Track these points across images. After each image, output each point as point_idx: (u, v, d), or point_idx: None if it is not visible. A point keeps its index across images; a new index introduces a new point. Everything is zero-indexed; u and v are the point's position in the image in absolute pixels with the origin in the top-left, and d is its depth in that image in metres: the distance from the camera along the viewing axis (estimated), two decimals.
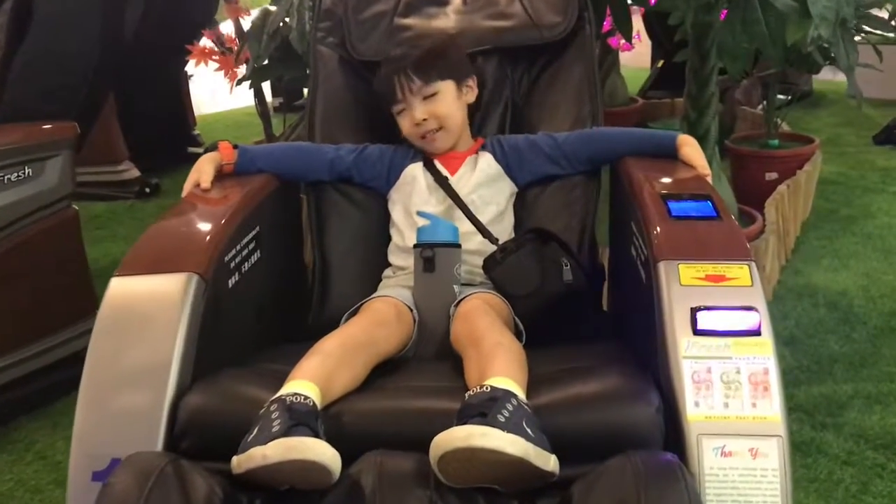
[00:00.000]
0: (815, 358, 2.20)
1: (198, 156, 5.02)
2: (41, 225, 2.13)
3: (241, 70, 3.06)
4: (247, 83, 2.90)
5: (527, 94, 1.74)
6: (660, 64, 4.69)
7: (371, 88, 1.75)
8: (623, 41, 2.82)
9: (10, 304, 2.07)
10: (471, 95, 1.57)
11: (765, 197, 2.92)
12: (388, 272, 1.55)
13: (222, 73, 2.98)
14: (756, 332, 1.07)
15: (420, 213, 1.44)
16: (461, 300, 1.35)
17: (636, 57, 5.24)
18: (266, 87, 3.95)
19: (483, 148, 1.59)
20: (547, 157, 1.56)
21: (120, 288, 1.19)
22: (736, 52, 2.01)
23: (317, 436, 0.96)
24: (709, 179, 1.38)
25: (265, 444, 0.93)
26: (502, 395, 0.97)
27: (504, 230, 1.54)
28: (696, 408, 1.04)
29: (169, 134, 4.41)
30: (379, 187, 1.61)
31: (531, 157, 1.57)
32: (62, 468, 1.93)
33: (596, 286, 1.60)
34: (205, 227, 1.29)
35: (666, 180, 1.36)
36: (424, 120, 1.50)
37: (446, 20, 1.74)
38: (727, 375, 1.05)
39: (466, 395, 1.00)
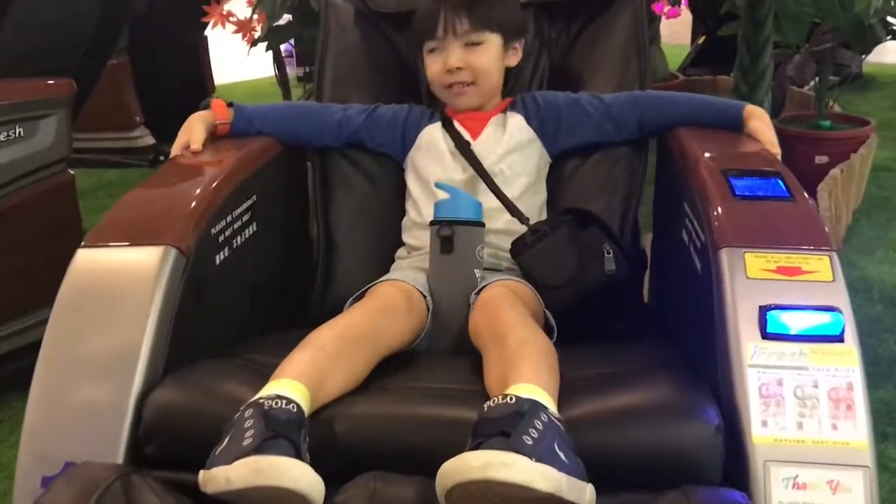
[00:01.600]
0: (873, 359, 2.01)
1: None
2: (34, 189, 1.98)
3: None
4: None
5: (565, 53, 1.55)
6: (701, 40, 4.45)
7: (389, 44, 1.57)
8: (668, 7, 2.61)
9: (0, 274, 1.93)
10: (514, 59, 1.37)
11: (813, 182, 2.70)
12: (401, 252, 1.38)
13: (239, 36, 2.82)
14: (839, 339, 0.88)
15: (438, 185, 1.25)
16: (483, 287, 1.16)
17: (675, 34, 5.00)
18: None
19: (512, 107, 1.39)
20: (591, 120, 1.36)
21: (86, 260, 1.03)
22: (799, 17, 1.80)
23: (297, 452, 0.78)
24: (778, 158, 1.18)
25: (231, 462, 0.75)
26: (529, 409, 0.78)
27: (535, 207, 1.35)
28: (764, 428, 0.85)
29: (186, 100, 4.23)
30: (393, 153, 1.43)
31: (572, 118, 1.37)
32: None
33: (637, 275, 1.41)
34: (190, 193, 1.12)
35: (727, 154, 1.17)
36: (459, 69, 1.31)
37: None
38: (802, 390, 0.86)
39: (485, 405, 0.81)
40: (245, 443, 0.77)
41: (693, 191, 1.10)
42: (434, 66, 1.34)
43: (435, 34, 1.31)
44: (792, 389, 0.87)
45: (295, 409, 0.82)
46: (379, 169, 1.46)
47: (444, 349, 1.17)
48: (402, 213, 1.41)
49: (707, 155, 1.15)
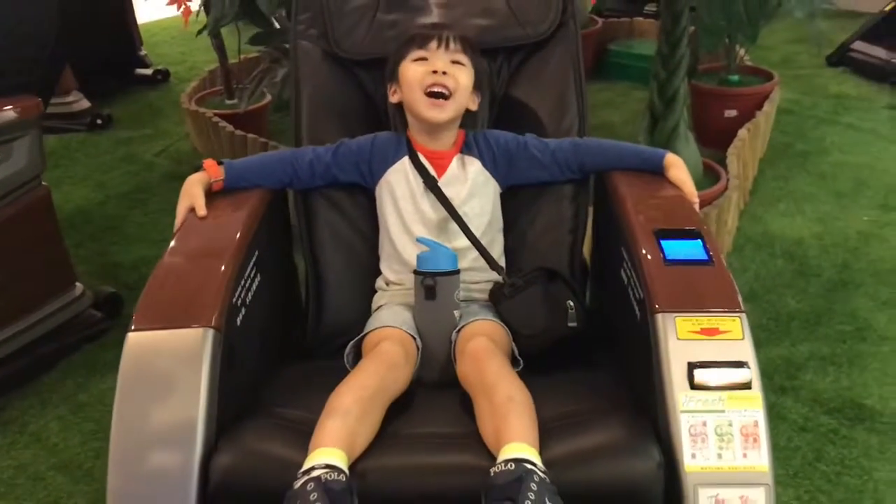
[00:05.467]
0: (773, 315, 2.34)
1: (146, 78, 4.80)
2: (14, 208, 2.11)
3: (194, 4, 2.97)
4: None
5: (507, 87, 1.75)
6: None
7: (357, 83, 1.74)
8: None
9: None
10: (473, 104, 1.57)
11: (724, 133, 2.99)
12: (380, 283, 1.59)
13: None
14: (748, 387, 1.16)
15: (420, 240, 1.47)
16: (462, 326, 1.41)
17: None
18: None
19: (468, 147, 1.59)
20: (537, 162, 1.58)
21: (137, 345, 1.22)
22: (713, 29, 2.03)
23: None
24: (696, 206, 1.44)
25: None
26: (525, 473, 1.04)
27: (494, 237, 1.58)
28: (693, 459, 1.14)
29: (114, 57, 4.24)
30: (364, 185, 1.61)
31: (521, 160, 1.58)
32: (59, 451, 1.99)
33: (583, 283, 1.68)
34: (213, 268, 1.31)
35: (656, 210, 1.41)
36: (444, 73, 1.50)
37: (430, 16, 1.72)
38: (721, 428, 1.15)
39: (491, 470, 1.07)
40: None
41: (630, 245, 1.35)
42: (419, 70, 1.51)
43: (427, 45, 1.52)
44: (713, 428, 1.15)
45: (345, 479, 1.06)
46: (352, 202, 1.64)
47: (433, 378, 1.41)
48: (377, 242, 1.61)
49: (639, 210, 1.39)
